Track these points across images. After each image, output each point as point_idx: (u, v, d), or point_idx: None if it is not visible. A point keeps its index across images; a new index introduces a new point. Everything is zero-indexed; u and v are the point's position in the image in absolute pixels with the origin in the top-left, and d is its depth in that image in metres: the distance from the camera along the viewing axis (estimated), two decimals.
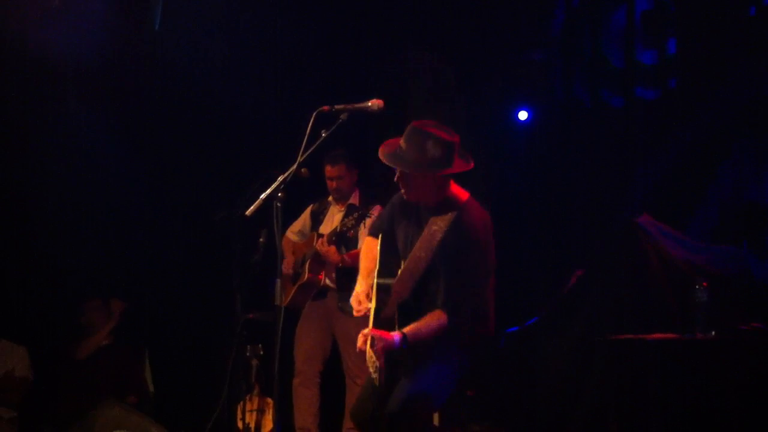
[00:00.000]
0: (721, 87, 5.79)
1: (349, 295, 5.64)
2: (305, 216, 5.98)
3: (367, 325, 4.26)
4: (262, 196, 3.98)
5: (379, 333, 3.87)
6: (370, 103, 4.11)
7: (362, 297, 4.15)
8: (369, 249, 4.32)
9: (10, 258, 6.75)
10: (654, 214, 5.57)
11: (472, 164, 4.07)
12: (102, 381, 6.40)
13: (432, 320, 3.92)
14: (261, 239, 5.52)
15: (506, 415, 5.76)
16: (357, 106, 4.11)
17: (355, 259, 5.51)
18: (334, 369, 5.88)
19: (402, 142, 4.02)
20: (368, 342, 3.87)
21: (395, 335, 3.86)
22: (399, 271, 4.09)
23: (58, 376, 6.51)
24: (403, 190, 4.11)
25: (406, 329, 3.88)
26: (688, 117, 5.89)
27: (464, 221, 3.99)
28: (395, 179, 4.09)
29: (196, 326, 6.90)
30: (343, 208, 5.83)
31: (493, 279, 4.13)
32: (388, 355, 3.86)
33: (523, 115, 6.86)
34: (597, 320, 5.52)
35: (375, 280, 4.10)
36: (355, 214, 5.38)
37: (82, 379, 6.40)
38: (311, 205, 5.97)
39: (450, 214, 4.01)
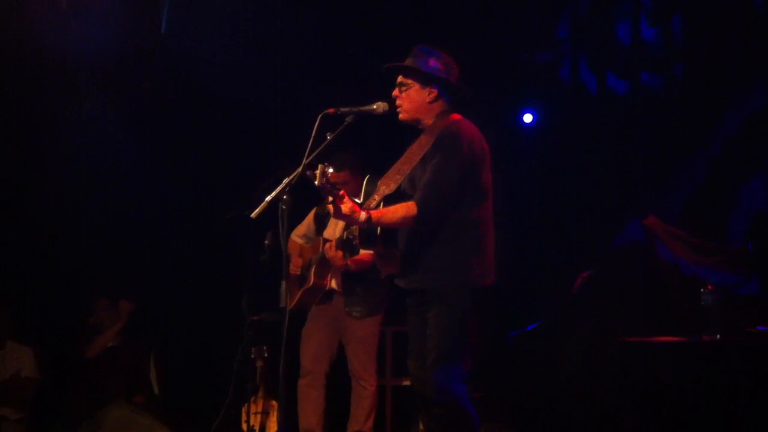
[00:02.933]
0: (733, 92, 5.80)
1: (355, 299, 5.68)
2: (309, 219, 5.97)
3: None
4: (268, 198, 3.98)
5: (351, 204, 3.90)
6: (375, 106, 4.13)
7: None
8: None
9: (17, 258, 6.77)
10: (690, 220, 5.60)
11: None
12: (109, 381, 6.42)
13: (401, 208, 4.00)
14: (266, 241, 5.53)
15: (515, 417, 5.77)
16: (362, 108, 4.12)
17: (360, 264, 5.53)
18: (339, 371, 5.88)
19: (408, 57, 4.22)
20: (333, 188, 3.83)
21: (363, 212, 3.92)
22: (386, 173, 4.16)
23: (66, 376, 6.53)
24: (398, 106, 4.19)
25: (374, 212, 3.95)
26: (698, 114, 5.90)
27: (451, 128, 4.11)
28: (393, 94, 4.19)
29: (202, 327, 6.91)
30: None
31: (489, 206, 4.15)
32: (346, 219, 3.93)
33: (528, 118, 6.86)
34: (605, 322, 5.52)
35: (363, 187, 4.17)
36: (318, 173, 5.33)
37: (90, 380, 6.43)
38: (315, 209, 5.96)
39: (440, 126, 4.14)
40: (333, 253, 5.52)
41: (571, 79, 6.72)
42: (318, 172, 3.78)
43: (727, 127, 5.88)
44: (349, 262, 5.54)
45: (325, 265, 5.69)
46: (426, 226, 4.03)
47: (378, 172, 4.39)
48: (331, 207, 3.90)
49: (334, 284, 5.76)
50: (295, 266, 5.83)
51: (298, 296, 5.76)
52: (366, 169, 5.68)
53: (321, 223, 5.86)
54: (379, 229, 4.06)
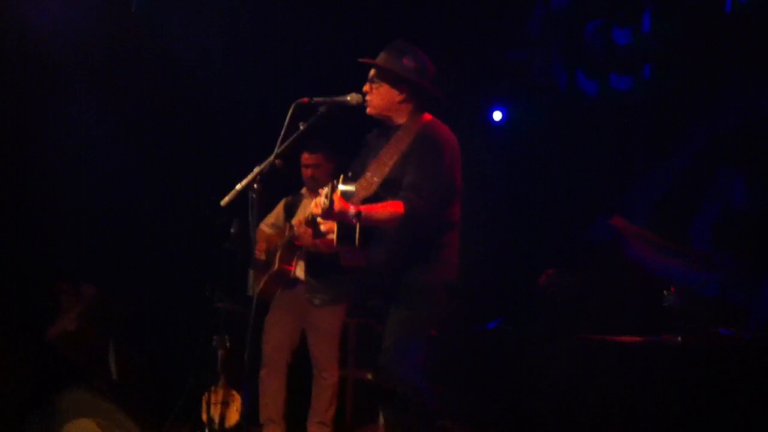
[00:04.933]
0: (702, 98, 5.86)
1: (317, 286, 5.64)
2: (279, 209, 5.96)
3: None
4: (238, 186, 3.98)
5: (340, 199, 3.91)
6: (348, 97, 4.15)
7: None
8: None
9: None
10: (655, 224, 5.66)
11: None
12: (67, 365, 6.35)
13: (388, 205, 4.01)
14: (232, 229, 5.51)
15: (475, 413, 5.78)
16: (336, 99, 4.13)
17: (328, 245, 5.43)
18: (301, 361, 5.87)
19: (383, 51, 4.22)
20: (327, 195, 3.86)
21: (352, 206, 3.91)
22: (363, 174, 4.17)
23: (22, 358, 6.45)
24: (367, 100, 4.20)
25: (363, 207, 3.95)
26: (667, 117, 5.95)
27: (429, 130, 4.16)
28: (364, 89, 4.19)
29: (164, 314, 6.87)
30: None
31: (459, 205, 4.21)
32: (337, 217, 3.92)
33: (497, 116, 6.88)
34: (567, 320, 5.56)
35: (339, 187, 4.12)
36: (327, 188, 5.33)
37: (47, 362, 6.35)
38: (285, 199, 5.96)
39: (415, 127, 4.17)
40: (302, 230, 5.46)
41: (541, 77, 6.76)
42: (328, 188, 3.84)
43: (695, 142, 5.94)
44: (318, 242, 5.49)
45: (290, 249, 5.66)
46: (410, 226, 4.03)
47: (350, 159, 4.42)
48: (318, 209, 3.89)
49: (299, 272, 5.74)
50: (259, 250, 5.79)
51: (262, 282, 5.73)
52: (339, 156, 5.71)
53: (290, 213, 5.86)
54: (357, 227, 4.05)
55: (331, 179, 5.70)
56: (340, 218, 3.94)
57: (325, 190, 3.81)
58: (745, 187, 5.61)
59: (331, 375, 5.74)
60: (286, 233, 5.68)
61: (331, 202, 3.80)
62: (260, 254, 5.78)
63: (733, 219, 5.59)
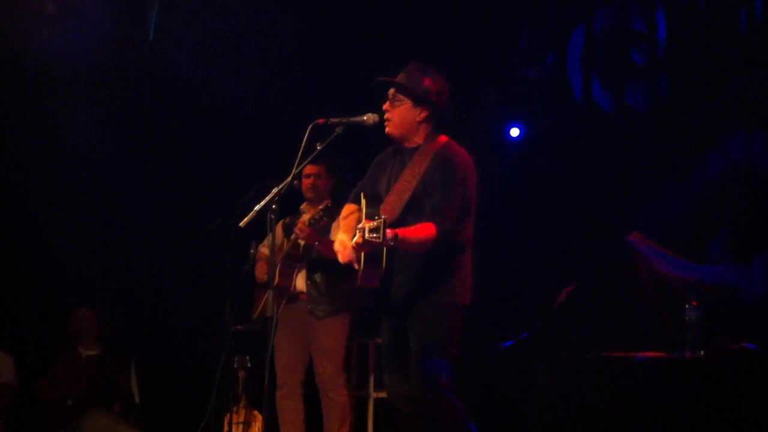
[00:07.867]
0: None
1: (319, 297, 5.59)
2: (278, 230, 5.84)
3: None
4: (257, 207, 4.00)
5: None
6: (365, 117, 4.14)
7: (347, 242, 4.09)
8: (350, 210, 4.35)
9: None
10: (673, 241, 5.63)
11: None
12: (89, 389, 6.37)
13: (421, 228, 3.98)
14: (252, 250, 5.51)
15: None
16: (352, 119, 4.13)
17: (328, 247, 5.13)
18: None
19: (402, 72, 4.23)
20: (379, 228, 3.74)
21: (389, 230, 3.81)
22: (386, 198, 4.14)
23: (45, 383, 6.48)
24: (387, 120, 4.19)
25: (399, 230, 3.88)
26: (685, 132, 5.93)
27: (447, 152, 4.15)
28: (384, 107, 4.19)
29: (184, 336, 6.88)
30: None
31: (472, 225, 4.20)
32: (375, 245, 3.83)
33: (514, 132, 6.87)
34: (587, 337, 5.53)
35: (363, 210, 4.10)
36: (323, 206, 5.28)
37: (70, 387, 6.38)
38: (282, 221, 5.84)
39: (433, 149, 4.16)
40: (306, 231, 5.35)
41: (557, 92, 6.75)
42: (379, 222, 3.72)
43: (710, 168, 5.91)
44: (318, 245, 5.42)
45: (289, 264, 5.62)
46: (434, 249, 4.01)
47: (360, 177, 4.41)
48: (360, 239, 3.78)
49: (299, 284, 5.68)
50: (260, 271, 5.78)
51: (263, 300, 5.70)
52: (340, 169, 5.69)
53: (289, 232, 5.77)
54: (385, 250, 4.01)
55: (331, 192, 5.70)
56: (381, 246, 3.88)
57: (373, 224, 3.69)
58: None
59: (338, 394, 5.58)
60: (284, 248, 5.64)
61: (384, 235, 3.70)
62: (261, 275, 5.77)
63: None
